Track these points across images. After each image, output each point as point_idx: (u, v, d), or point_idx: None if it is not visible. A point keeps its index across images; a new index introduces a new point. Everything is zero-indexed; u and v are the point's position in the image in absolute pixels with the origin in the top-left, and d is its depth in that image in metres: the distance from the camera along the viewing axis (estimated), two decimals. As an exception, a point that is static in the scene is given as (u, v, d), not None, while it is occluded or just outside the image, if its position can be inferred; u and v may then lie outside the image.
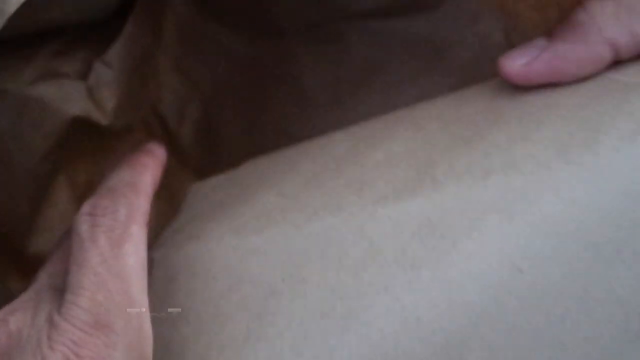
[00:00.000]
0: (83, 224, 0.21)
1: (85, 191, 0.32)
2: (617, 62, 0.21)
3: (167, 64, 0.33)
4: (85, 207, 0.22)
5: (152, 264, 0.24)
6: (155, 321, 0.21)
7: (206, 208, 0.25)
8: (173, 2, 0.32)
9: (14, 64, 0.27)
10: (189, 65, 0.33)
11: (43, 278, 0.22)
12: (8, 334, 0.20)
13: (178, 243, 0.24)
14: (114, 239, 0.21)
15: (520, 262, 0.18)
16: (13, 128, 0.27)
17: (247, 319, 0.20)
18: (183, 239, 0.24)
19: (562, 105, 0.20)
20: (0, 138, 0.27)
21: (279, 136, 0.32)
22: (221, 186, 0.27)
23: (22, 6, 0.20)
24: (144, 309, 0.21)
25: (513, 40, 0.30)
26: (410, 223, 0.19)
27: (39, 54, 0.28)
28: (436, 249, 0.19)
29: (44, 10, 0.27)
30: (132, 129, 0.33)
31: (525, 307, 0.18)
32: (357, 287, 0.19)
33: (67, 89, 0.28)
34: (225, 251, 0.22)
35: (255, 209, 0.24)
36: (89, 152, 0.32)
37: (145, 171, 0.24)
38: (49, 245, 0.30)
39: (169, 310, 0.22)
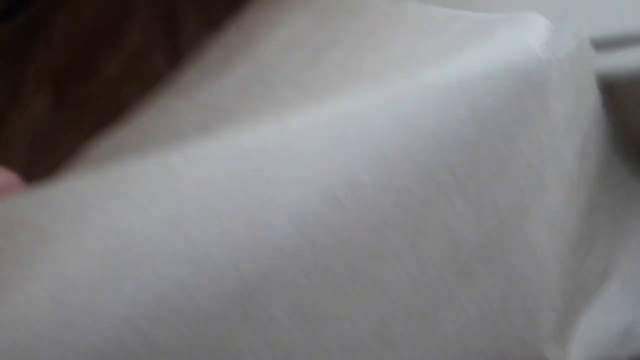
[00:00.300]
0: None
1: None
2: None
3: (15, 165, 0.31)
4: None
5: None
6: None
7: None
8: (29, 99, 0.31)
9: None
10: (37, 172, 0.31)
11: None
12: None
13: None
14: None
15: (342, 193, 0.15)
16: None
17: (11, 265, 0.17)
18: None
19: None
20: None
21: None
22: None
23: None
24: None
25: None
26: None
27: None
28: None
29: None
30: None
31: (343, 244, 0.15)
32: (145, 225, 0.16)
33: None
34: (12, 204, 0.19)
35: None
36: None
37: None
38: None
39: None
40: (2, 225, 0.18)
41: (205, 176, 0.16)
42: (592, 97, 0.17)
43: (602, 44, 0.18)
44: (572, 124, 0.17)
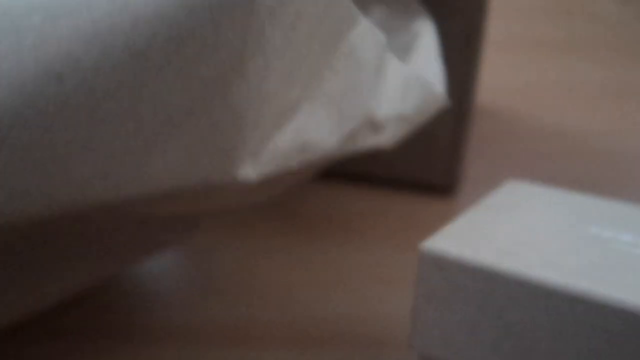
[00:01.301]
0: None
1: None
2: None
3: None
4: None
5: None
6: None
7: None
8: None
9: None
10: None
11: None
12: None
13: None
14: None
15: (61, 69, 0.17)
16: None
17: None
18: None
19: None
20: None
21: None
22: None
23: None
24: None
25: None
26: None
27: None
28: None
29: None
30: None
31: (65, 110, 0.18)
32: None
33: None
34: None
35: None
36: None
37: None
38: None
39: None
40: None
41: None
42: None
43: None
44: (278, 10, 0.20)
